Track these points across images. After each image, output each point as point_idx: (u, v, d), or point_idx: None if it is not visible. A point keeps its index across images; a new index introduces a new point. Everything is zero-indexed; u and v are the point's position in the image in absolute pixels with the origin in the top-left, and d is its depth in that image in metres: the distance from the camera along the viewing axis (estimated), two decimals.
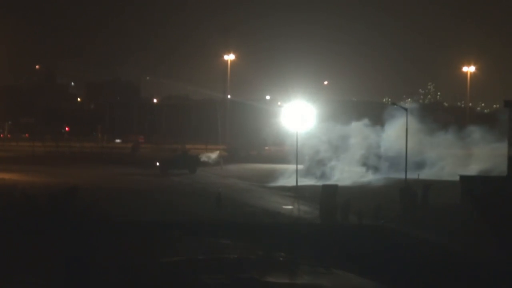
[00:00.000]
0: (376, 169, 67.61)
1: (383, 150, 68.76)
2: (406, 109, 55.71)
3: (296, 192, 55.15)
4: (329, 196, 44.33)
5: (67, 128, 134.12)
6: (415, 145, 63.24)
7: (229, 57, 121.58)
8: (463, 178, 50.01)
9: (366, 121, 69.53)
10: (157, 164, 72.54)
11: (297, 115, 63.16)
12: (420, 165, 65.96)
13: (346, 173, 66.11)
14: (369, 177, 65.44)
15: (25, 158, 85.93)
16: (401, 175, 53.21)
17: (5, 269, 27.61)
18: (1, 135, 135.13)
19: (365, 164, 67.97)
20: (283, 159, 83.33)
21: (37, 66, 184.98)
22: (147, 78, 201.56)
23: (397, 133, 63.60)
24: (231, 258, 31.23)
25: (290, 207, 48.02)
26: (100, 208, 41.32)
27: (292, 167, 63.40)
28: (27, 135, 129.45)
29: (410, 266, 31.87)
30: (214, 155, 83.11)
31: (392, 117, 67.20)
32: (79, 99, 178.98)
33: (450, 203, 48.11)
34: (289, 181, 61.98)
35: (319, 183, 55.89)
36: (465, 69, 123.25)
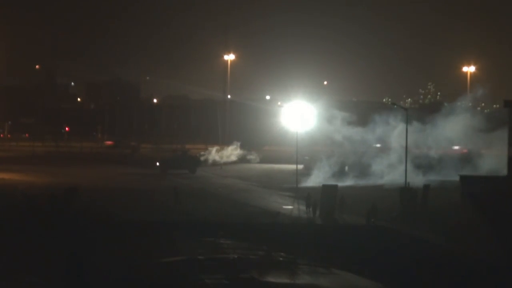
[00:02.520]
0: (426, 169, 63.37)
1: (434, 150, 65.55)
2: (406, 109, 55.60)
3: (296, 192, 55.12)
4: (329, 196, 44.35)
5: (67, 128, 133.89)
6: (466, 142, 60.12)
7: (229, 57, 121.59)
8: (463, 178, 49.90)
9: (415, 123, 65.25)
10: (157, 164, 72.54)
11: (297, 115, 63.07)
12: (467, 164, 61.75)
13: (395, 172, 62.24)
14: (421, 178, 60.59)
15: (25, 158, 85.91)
16: (456, 177, 50.19)
17: (5, 269, 27.62)
18: (1, 135, 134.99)
19: (416, 164, 63.31)
20: (281, 159, 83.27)
21: (37, 66, 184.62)
22: (147, 78, 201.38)
23: (454, 132, 61.38)
24: (231, 258, 31.23)
25: (290, 207, 48.02)
26: (100, 208, 41.39)
27: (294, 167, 63.28)
28: (27, 135, 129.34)
29: (409, 266, 31.87)
30: (233, 152, 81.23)
31: (448, 115, 64.00)
32: (79, 99, 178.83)
33: (450, 203, 48.09)
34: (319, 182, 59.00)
35: (362, 182, 54.89)
36: (465, 69, 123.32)
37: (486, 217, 38.93)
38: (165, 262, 29.80)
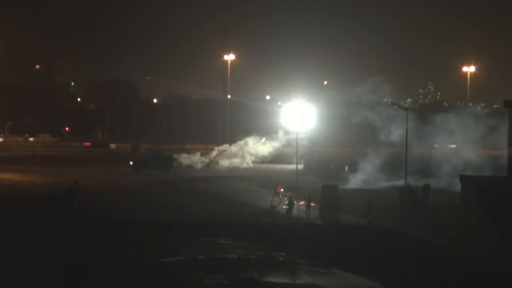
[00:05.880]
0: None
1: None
2: (406, 109, 55.58)
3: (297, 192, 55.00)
4: (329, 196, 44.32)
5: (67, 128, 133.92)
6: None
7: (229, 57, 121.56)
8: (463, 178, 49.97)
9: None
10: (130, 163, 71.51)
11: (297, 115, 63.04)
12: None
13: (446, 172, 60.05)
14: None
15: (25, 158, 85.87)
16: None
17: (5, 269, 27.60)
18: (1, 135, 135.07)
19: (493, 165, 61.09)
20: (279, 159, 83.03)
21: (37, 66, 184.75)
22: (147, 78, 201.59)
23: None
24: (231, 258, 31.23)
25: None
26: (100, 208, 41.34)
27: (294, 167, 63.23)
28: (27, 135, 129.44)
29: (410, 266, 31.84)
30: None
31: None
32: (79, 99, 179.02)
33: (450, 202, 48.13)
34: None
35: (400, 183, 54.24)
36: (465, 69, 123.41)
37: (486, 216, 38.94)
38: (165, 262, 29.79)
